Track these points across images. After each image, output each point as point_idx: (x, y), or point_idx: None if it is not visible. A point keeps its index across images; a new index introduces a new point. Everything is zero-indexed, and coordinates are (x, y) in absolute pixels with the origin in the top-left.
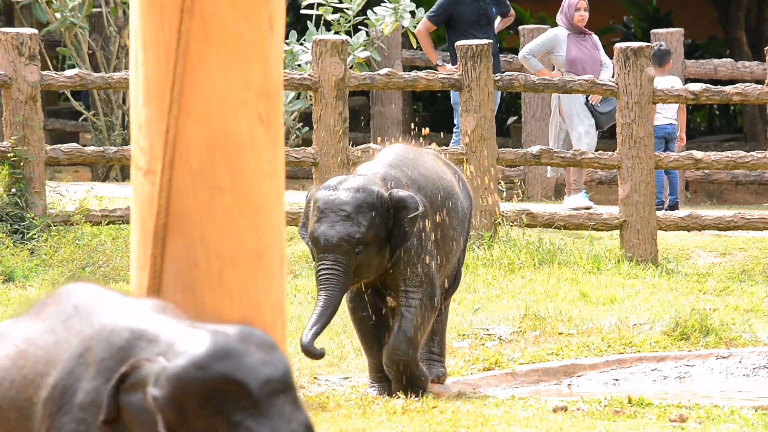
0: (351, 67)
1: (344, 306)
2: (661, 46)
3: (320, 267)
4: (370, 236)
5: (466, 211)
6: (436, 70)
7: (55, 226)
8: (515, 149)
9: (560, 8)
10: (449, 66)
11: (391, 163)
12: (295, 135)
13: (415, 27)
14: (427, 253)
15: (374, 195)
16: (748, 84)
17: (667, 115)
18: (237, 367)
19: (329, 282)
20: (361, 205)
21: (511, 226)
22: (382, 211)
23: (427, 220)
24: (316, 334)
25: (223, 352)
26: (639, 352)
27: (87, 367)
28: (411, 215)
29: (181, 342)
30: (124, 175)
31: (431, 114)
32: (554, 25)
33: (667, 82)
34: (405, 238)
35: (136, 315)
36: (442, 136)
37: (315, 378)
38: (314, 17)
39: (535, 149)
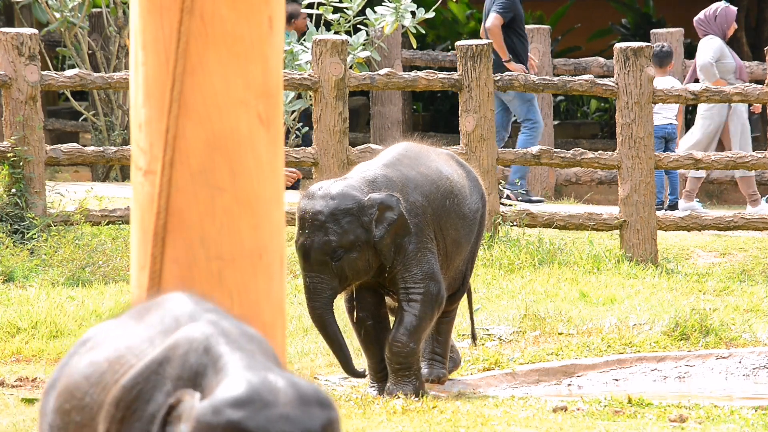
0: (351, 67)
1: (343, 307)
2: (662, 47)
3: (305, 284)
4: (346, 242)
5: (475, 214)
6: (503, 68)
7: (55, 226)
8: (515, 149)
9: (704, 17)
10: (516, 64)
11: (386, 162)
12: (295, 135)
13: (415, 27)
14: (426, 251)
15: (350, 199)
16: (748, 84)
17: (667, 115)
18: (249, 417)
19: (316, 305)
20: (334, 212)
21: (511, 226)
22: (359, 215)
23: (424, 219)
24: (348, 359)
25: (242, 400)
26: (639, 352)
27: (165, 379)
28: (393, 215)
29: (223, 382)
30: (124, 175)
31: (431, 114)
32: (553, 24)
33: (666, 82)
34: (394, 239)
35: (222, 338)
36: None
37: (315, 378)
38: (314, 17)
39: (535, 149)
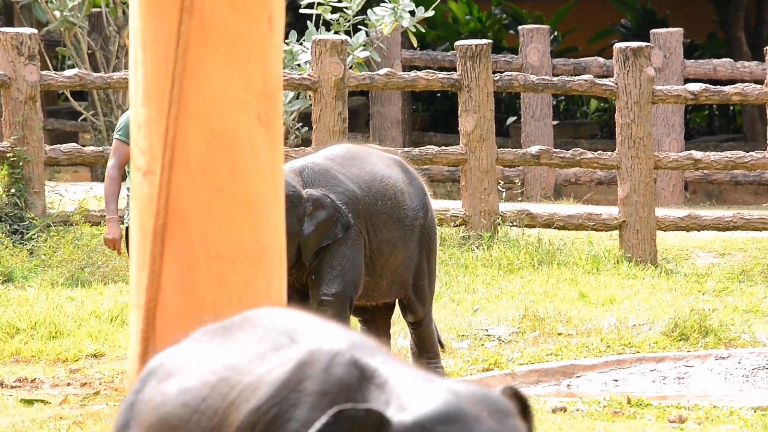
0: (350, 67)
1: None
2: None
3: None
4: None
5: (413, 221)
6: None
7: (54, 226)
8: (514, 149)
9: None
10: None
11: (320, 155)
12: (294, 135)
13: (414, 27)
14: (351, 244)
15: (289, 187)
16: (747, 84)
17: None
18: None
19: None
20: None
21: (511, 226)
22: (296, 205)
23: (354, 210)
24: None
25: (452, 416)
26: (638, 352)
27: (306, 396)
28: (323, 214)
29: (411, 395)
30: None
31: (431, 114)
32: (554, 25)
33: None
34: (319, 240)
35: (361, 350)
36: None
37: None
38: (314, 17)
39: (534, 149)
